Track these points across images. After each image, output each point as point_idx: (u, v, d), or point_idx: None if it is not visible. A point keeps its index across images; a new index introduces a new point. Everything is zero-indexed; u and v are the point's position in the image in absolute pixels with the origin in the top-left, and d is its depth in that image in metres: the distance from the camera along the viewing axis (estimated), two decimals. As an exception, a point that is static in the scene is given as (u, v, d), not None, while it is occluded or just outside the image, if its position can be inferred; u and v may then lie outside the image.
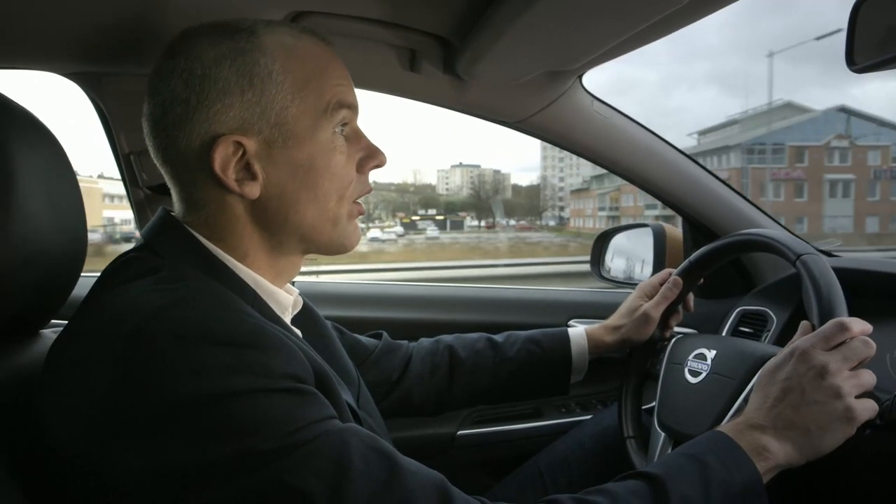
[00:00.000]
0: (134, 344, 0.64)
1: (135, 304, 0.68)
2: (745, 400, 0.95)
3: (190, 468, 0.61)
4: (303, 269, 0.94)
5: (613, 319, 1.30)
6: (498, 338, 1.29)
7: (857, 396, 0.84)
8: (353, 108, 0.85)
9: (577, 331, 1.29)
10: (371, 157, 0.88)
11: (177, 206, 0.84)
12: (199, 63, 0.77)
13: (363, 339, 1.25)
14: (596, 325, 1.31)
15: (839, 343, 0.86)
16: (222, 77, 0.77)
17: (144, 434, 0.61)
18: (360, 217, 0.89)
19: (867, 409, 0.84)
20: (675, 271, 1.27)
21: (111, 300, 0.71)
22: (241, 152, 0.78)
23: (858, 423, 0.83)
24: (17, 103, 0.77)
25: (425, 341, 1.30)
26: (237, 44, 0.78)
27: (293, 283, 1.03)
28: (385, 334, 1.29)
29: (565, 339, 1.27)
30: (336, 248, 0.88)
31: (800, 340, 0.88)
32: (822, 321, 0.89)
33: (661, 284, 1.28)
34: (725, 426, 0.86)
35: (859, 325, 0.87)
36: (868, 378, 0.85)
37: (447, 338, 1.30)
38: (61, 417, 0.66)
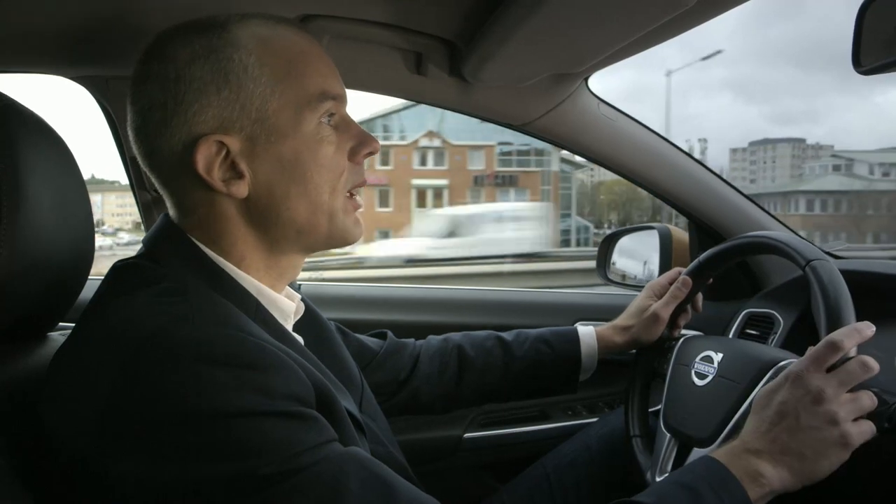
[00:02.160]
0: (134, 361, 0.64)
1: (136, 318, 0.67)
2: (751, 405, 0.95)
3: (188, 484, 0.61)
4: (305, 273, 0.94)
5: (622, 319, 1.30)
6: (507, 336, 1.28)
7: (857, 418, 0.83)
8: (338, 98, 0.82)
9: (587, 331, 1.28)
10: (363, 144, 0.85)
11: (171, 212, 0.83)
12: (173, 65, 0.75)
13: (368, 339, 1.24)
14: (605, 326, 1.30)
15: (835, 363, 0.84)
16: (197, 77, 0.75)
17: (143, 447, 0.62)
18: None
19: (863, 433, 0.83)
20: (684, 271, 1.27)
21: (114, 311, 0.71)
22: (224, 152, 0.76)
23: (853, 448, 0.82)
24: (25, 107, 0.78)
25: (434, 339, 1.29)
26: (209, 41, 0.76)
27: (299, 288, 1.03)
28: (390, 333, 1.28)
29: (575, 339, 1.27)
30: (336, 242, 0.85)
31: (793, 364, 0.87)
32: (830, 330, 0.89)
33: (670, 284, 1.27)
34: (721, 451, 0.85)
35: (852, 340, 0.85)
36: (867, 402, 0.84)
37: (456, 336, 1.29)
38: (64, 424, 0.66)
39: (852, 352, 0.85)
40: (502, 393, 1.28)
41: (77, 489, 0.65)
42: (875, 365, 0.84)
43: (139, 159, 0.81)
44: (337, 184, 0.82)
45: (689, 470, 0.84)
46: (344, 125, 0.84)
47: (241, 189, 0.78)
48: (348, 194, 0.85)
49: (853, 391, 0.84)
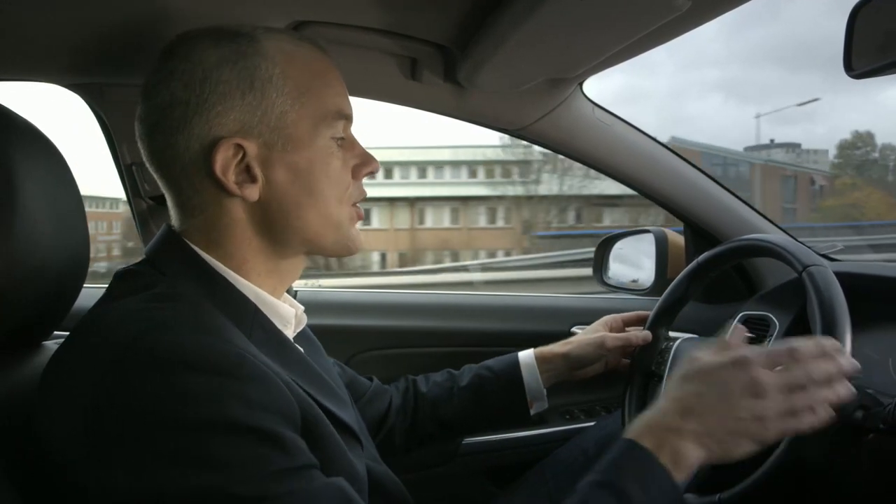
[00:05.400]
0: (115, 366, 0.64)
1: (121, 323, 0.68)
2: None
3: (160, 494, 0.60)
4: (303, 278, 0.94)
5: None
6: (458, 371, 1.31)
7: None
8: (349, 118, 0.86)
9: (526, 352, 1.30)
10: (365, 164, 0.89)
11: (172, 213, 0.84)
12: (200, 66, 0.77)
13: (359, 376, 1.25)
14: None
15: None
16: (223, 80, 0.77)
17: (120, 454, 0.61)
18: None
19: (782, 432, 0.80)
20: (648, 321, 1.30)
21: (103, 316, 0.71)
22: (241, 155, 0.78)
23: (764, 446, 0.80)
24: (19, 115, 0.78)
25: (398, 382, 1.31)
26: (239, 47, 0.79)
27: (296, 294, 1.03)
28: (375, 378, 1.28)
29: (514, 360, 1.28)
30: (340, 250, 0.88)
31: (748, 351, 0.83)
32: (825, 336, 0.89)
33: (625, 322, 1.32)
34: (647, 432, 0.80)
35: (814, 354, 0.81)
36: (801, 401, 0.80)
37: (413, 376, 1.32)
38: (52, 431, 0.66)
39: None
40: (458, 424, 1.28)
41: (70, 499, 0.65)
42: (818, 376, 0.80)
43: (145, 155, 0.82)
44: (343, 196, 0.86)
45: (613, 463, 0.79)
46: (349, 144, 0.87)
47: (253, 193, 0.79)
48: (352, 205, 0.88)
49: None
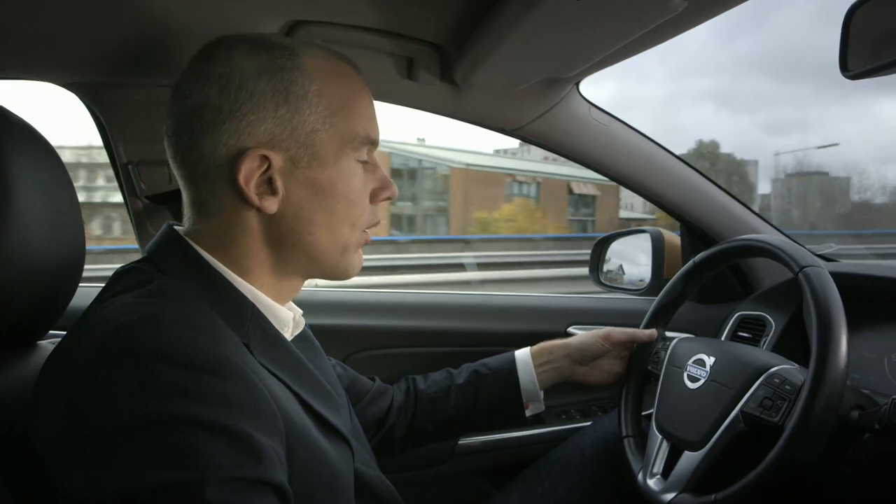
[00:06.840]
0: (94, 359, 0.63)
1: (107, 319, 0.67)
2: (742, 410, 0.95)
3: (133, 492, 0.58)
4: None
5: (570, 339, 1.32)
6: (456, 369, 1.31)
7: None
8: (376, 143, 0.87)
9: (523, 351, 1.30)
10: (384, 188, 0.90)
11: (186, 212, 0.84)
12: (238, 73, 0.77)
13: (361, 376, 1.25)
14: None
15: None
16: (259, 90, 0.77)
17: (97, 450, 0.60)
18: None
19: None
20: (644, 320, 1.30)
21: (95, 312, 0.71)
22: (265, 166, 0.78)
23: None
24: (14, 114, 0.78)
25: (400, 382, 1.31)
26: (277, 59, 0.79)
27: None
28: (377, 378, 1.29)
29: (511, 357, 1.28)
30: (339, 274, 0.88)
31: None
32: (821, 338, 0.89)
33: (628, 339, 1.29)
34: None
35: None
36: None
37: (413, 375, 1.32)
38: (43, 430, 0.66)
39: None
40: (456, 423, 1.28)
41: (59, 498, 0.63)
42: None
43: (169, 152, 0.82)
44: (357, 220, 0.86)
45: None
46: (371, 168, 0.88)
47: (272, 205, 0.79)
48: (363, 230, 0.88)
49: None
